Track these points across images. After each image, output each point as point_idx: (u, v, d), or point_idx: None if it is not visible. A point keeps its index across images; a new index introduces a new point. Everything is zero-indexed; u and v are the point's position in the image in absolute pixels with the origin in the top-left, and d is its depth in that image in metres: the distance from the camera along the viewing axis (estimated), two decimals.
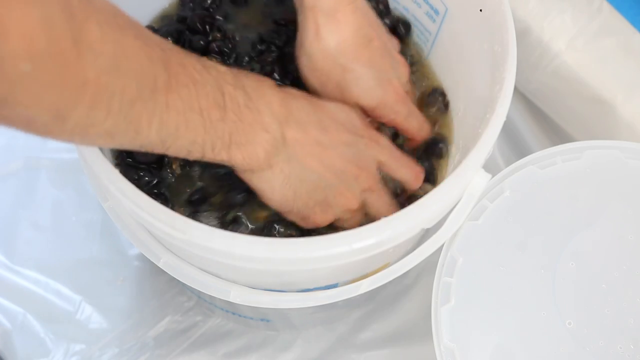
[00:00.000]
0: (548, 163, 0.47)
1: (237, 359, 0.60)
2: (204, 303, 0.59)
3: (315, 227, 0.44)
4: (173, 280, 0.49)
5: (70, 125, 0.30)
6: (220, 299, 0.42)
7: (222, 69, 0.37)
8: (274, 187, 0.40)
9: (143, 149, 0.34)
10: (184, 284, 0.43)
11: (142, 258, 0.62)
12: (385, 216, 0.38)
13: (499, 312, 0.43)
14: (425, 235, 0.43)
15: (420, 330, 0.60)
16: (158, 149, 0.35)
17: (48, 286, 0.62)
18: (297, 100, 0.41)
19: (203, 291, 0.42)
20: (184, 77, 0.34)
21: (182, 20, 0.52)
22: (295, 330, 0.61)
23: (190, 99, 0.34)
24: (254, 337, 0.61)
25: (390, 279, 0.42)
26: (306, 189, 0.41)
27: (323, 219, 0.43)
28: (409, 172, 0.46)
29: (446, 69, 0.52)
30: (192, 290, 0.49)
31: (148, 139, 0.33)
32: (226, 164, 0.38)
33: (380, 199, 0.44)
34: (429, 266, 0.62)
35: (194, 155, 0.36)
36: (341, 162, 0.41)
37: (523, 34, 0.61)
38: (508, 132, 0.67)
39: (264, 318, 0.57)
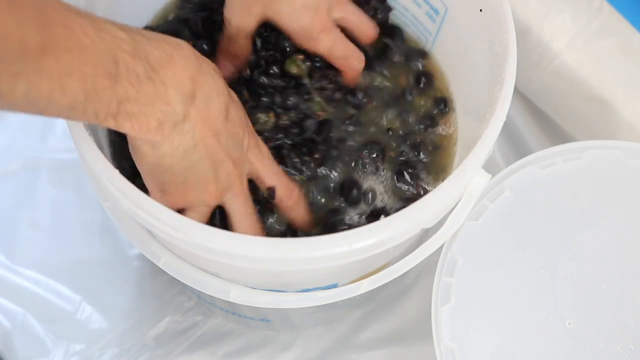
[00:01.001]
0: (548, 163, 0.47)
1: (237, 359, 0.60)
2: (204, 303, 0.59)
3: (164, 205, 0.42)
4: (173, 280, 0.49)
5: None
6: (220, 299, 0.42)
7: (121, 34, 0.35)
8: (153, 154, 0.38)
9: (13, 111, 0.33)
10: (184, 284, 0.43)
11: (142, 258, 0.62)
12: (237, 225, 0.41)
13: (499, 312, 0.43)
14: (425, 235, 0.43)
15: (420, 330, 0.60)
16: (31, 111, 0.33)
17: (48, 286, 0.62)
18: (211, 77, 0.40)
19: (203, 291, 0.42)
20: (66, 40, 0.32)
21: (182, 21, 0.52)
22: (295, 330, 0.61)
23: (71, 65, 0.32)
24: (254, 337, 0.61)
25: (391, 278, 0.42)
26: (183, 168, 0.39)
27: (176, 201, 0.41)
28: (278, 190, 0.45)
29: (447, 69, 0.52)
30: (192, 290, 0.49)
31: (12, 100, 0.32)
32: (114, 129, 0.37)
33: (240, 207, 0.43)
34: (429, 266, 0.62)
35: (76, 118, 0.35)
36: (223, 153, 0.40)
37: (523, 34, 0.61)
38: (508, 132, 0.67)
39: (264, 318, 0.57)
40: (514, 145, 0.67)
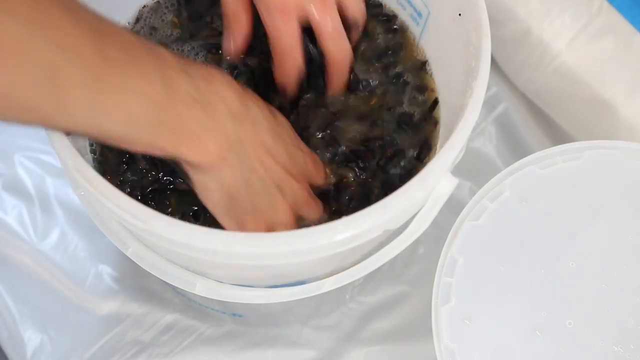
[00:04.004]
0: (548, 163, 0.47)
1: (237, 358, 0.60)
2: (178, 295, 0.59)
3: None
4: None
5: None
6: (192, 293, 0.43)
7: (166, 53, 0.35)
8: (218, 186, 0.38)
9: (71, 133, 0.33)
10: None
11: None
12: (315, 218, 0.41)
13: (499, 312, 0.43)
14: (391, 237, 0.43)
15: (420, 330, 0.60)
16: (89, 131, 0.33)
17: (47, 284, 0.62)
18: (255, 100, 0.40)
19: (169, 282, 0.42)
20: (118, 52, 0.32)
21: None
22: (276, 327, 0.61)
23: (127, 78, 0.32)
24: (253, 336, 0.61)
25: (353, 279, 0.42)
26: (248, 193, 0.39)
27: (255, 228, 0.41)
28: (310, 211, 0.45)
29: (429, 71, 0.52)
30: (175, 288, 0.49)
31: (75, 117, 0.31)
32: (167, 157, 0.36)
33: (311, 209, 0.44)
34: (429, 266, 0.62)
35: (128, 143, 0.34)
36: (283, 171, 0.40)
37: (523, 34, 0.61)
38: (508, 132, 0.67)
39: (235, 313, 0.57)
40: (514, 145, 0.67)
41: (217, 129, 0.36)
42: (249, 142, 0.38)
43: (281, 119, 0.42)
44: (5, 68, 0.28)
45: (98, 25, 0.31)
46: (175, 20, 0.53)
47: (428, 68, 0.52)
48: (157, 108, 0.33)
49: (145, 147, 0.35)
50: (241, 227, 0.41)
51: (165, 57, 0.34)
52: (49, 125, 0.33)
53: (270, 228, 0.41)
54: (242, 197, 0.39)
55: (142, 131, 0.33)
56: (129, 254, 0.41)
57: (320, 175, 0.45)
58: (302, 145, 0.44)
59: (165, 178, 0.47)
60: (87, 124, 0.32)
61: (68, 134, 0.36)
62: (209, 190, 0.39)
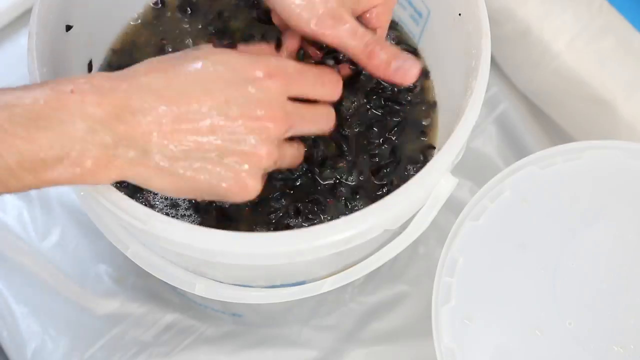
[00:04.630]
0: (548, 163, 0.47)
1: (237, 357, 0.60)
2: (179, 296, 0.59)
3: (254, 196, 0.39)
4: None
5: None
6: (193, 293, 0.43)
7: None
8: (157, 184, 0.36)
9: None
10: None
11: None
12: None
13: (499, 312, 0.43)
14: (391, 236, 0.43)
15: (420, 330, 0.60)
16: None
17: (47, 284, 0.62)
18: (135, 82, 0.36)
19: (169, 282, 0.42)
20: None
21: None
22: (276, 326, 0.61)
23: None
24: (253, 336, 0.61)
25: (353, 279, 0.42)
26: (197, 168, 0.36)
27: (250, 186, 0.38)
28: (327, 90, 0.41)
29: (430, 71, 0.52)
30: (175, 288, 0.49)
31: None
32: (43, 186, 0.34)
33: (303, 129, 0.40)
34: (429, 266, 0.62)
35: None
36: (224, 124, 0.36)
37: (523, 34, 0.61)
38: (508, 132, 0.67)
39: (235, 313, 0.57)
40: (514, 145, 0.67)
41: (82, 144, 0.34)
42: (146, 129, 0.35)
43: (195, 66, 0.37)
44: None
45: None
46: (179, 15, 0.53)
47: (428, 68, 0.52)
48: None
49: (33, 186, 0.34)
50: (237, 194, 0.38)
51: None
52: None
53: (268, 172, 0.39)
54: (195, 178, 0.36)
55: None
56: (128, 254, 0.41)
57: (298, 77, 0.40)
58: (256, 66, 0.38)
59: None
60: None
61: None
62: (161, 190, 0.37)
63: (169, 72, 0.37)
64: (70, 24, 0.45)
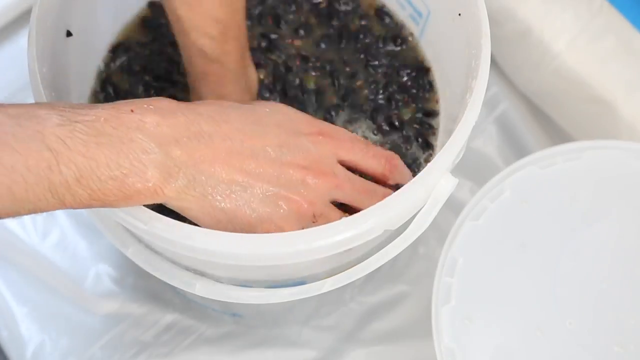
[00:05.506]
0: (548, 163, 0.47)
1: (237, 357, 0.60)
2: (179, 296, 0.59)
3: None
4: None
5: None
6: (192, 294, 0.43)
7: (42, 113, 0.33)
8: (197, 213, 0.37)
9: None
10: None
11: None
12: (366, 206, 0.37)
13: (499, 312, 0.43)
14: (392, 236, 0.42)
15: (420, 330, 0.60)
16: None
17: (47, 284, 0.62)
18: (195, 110, 0.37)
19: (169, 282, 0.42)
20: None
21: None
22: (277, 327, 0.61)
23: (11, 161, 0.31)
24: (253, 336, 0.61)
25: (353, 279, 0.42)
26: (241, 204, 0.37)
27: (286, 231, 0.38)
28: (376, 162, 0.42)
29: (429, 71, 0.52)
30: (175, 288, 0.49)
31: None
32: (94, 206, 0.34)
33: (349, 195, 0.40)
34: (429, 266, 0.62)
35: (39, 208, 0.33)
36: (274, 166, 0.38)
37: (523, 34, 0.61)
38: (508, 132, 0.67)
39: (236, 313, 0.57)
40: (514, 145, 0.67)
41: (136, 164, 0.34)
42: (199, 158, 0.36)
43: (260, 109, 0.40)
44: None
45: None
46: None
47: (428, 68, 0.52)
48: (50, 175, 0.32)
49: (71, 206, 0.34)
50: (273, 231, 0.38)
51: (45, 123, 0.32)
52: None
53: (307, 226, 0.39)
54: (234, 213, 0.37)
55: (47, 199, 0.32)
56: (129, 254, 0.41)
57: (350, 146, 0.41)
58: (312, 125, 0.40)
59: None
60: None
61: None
62: (197, 220, 0.37)
63: (227, 108, 0.38)
64: (70, 23, 0.45)
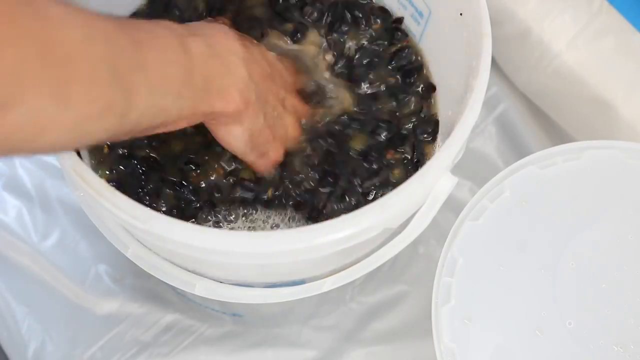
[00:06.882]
0: (548, 163, 0.47)
1: (237, 357, 0.60)
2: (179, 296, 0.60)
3: (270, 166, 0.46)
4: None
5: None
6: (192, 293, 0.43)
7: (169, 23, 0.37)
8: (244, 130, 0.41)
9: (129, 134, 0.34)
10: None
11: None
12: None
13: (499, 312, 0.43)
14: (391, 236, 0.43)
15: (420, 330, 0.60)
16: (145, 121, 0.34)
17: (47, 284, 0.62)
18: (250, 41, 0.44)
19: (169, 283, 0.42)
20: (143, 35, 0.34)
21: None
22: (276, 327, 0.61)
23: (160, 53, 0.35)
24: (253, 336, 0.61)
25: (353, 278, 0.42)
26: (267, 125, 0.43)
27: (276, 155, 0.45)
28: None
29: (430, 71, 0.52)
30: (175, 288, 0.49)
31: (139, 105, 0.33)
32: (204, 120, 0.40)
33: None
34: (429, 266, 0.62)
35: (175, 119, 0.36)
36: (283, 89, 0.45)
37: (523, 34, 0.61)
38: (508, 132, 0.67)
39: (236, 313, 0.57)
40: (514, 145, 0.67)
41: (234, 77, 0.39)
42: (258, 78, 0.42)
43: (269, 53, 0.46)
44: (79, 71, 0.29)
45: (113, 18, 0.33)
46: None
47: (428, 67, 0.52)
48: (188, 73, 0.36)
49: (189, 117, 0.38)
50: (264, 158, 0.45)
51: (175, 27, 0.37)
52: (119, 129, 0.33)
53: (285, 147, 0.46)
54: (263, 131, 0.43)
55: (186, 99, 0.36)
56: (128, 254, 0.41)
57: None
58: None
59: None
60: (146, 111, 0.34)
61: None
62: (235, 136, 0.42)
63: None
64: None
